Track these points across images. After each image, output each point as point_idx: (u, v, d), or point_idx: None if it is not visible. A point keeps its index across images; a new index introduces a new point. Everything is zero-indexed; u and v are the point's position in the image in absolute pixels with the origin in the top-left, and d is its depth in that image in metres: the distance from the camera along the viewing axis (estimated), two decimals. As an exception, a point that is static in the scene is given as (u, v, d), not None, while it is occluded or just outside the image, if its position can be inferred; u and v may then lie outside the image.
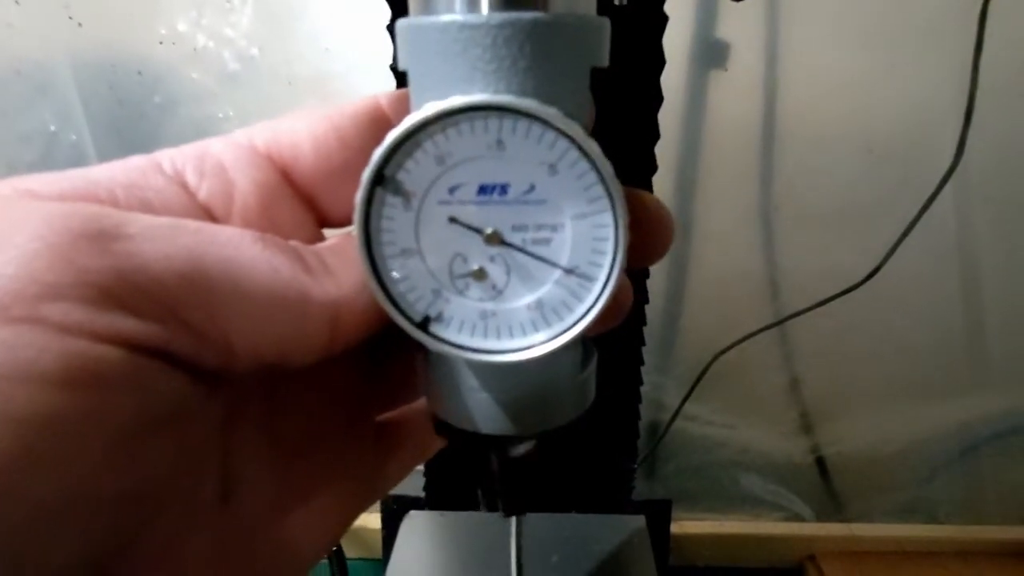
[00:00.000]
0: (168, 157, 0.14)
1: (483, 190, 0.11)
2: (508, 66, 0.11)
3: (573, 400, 0.14)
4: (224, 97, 0.50)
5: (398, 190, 0.11)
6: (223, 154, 0.14)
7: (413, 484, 0.42)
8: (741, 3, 0.44)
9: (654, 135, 0.32)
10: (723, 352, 0.53)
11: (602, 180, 0.11)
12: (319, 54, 0.48)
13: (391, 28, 0.30)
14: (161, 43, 0.48)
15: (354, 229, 0.11)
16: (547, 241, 0.11)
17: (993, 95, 0.43)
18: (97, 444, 0.10)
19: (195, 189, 0.13)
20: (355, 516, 0.16)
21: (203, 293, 0.11)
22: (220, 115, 0.50)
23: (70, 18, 0.47)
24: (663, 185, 0.49)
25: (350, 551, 0.53)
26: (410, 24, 0.11)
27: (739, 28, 0.45)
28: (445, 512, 0.29)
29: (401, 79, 0.21)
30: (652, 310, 0.54)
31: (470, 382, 0.13)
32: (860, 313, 0.51)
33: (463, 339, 0.12)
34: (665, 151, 0.49)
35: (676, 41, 0.46)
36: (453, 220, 0.11)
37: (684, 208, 0.50)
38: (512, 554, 0.20)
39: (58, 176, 0.12)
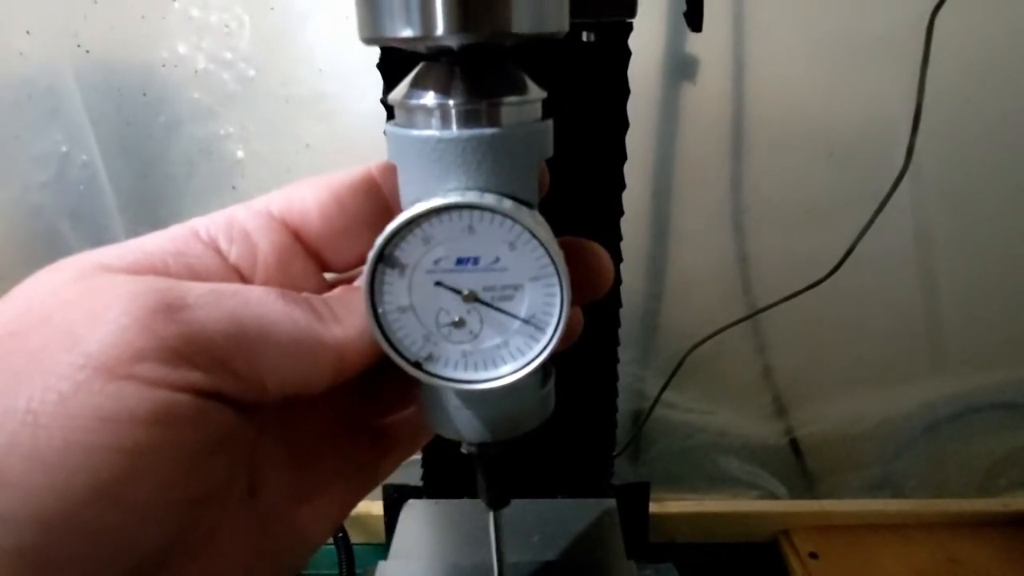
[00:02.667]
0: (203, 225, 0.17)
1: (460, 261, 0.14)
2: (474, 168, 0.14)
3: (537, 412, 0.18)
4: (224, 116, 0.52)
5: (395, 264, 0.14)
6: (247, 222, 0.17)
7: (412, 475, 0.45)
8: (709, 21, 0.47)
9: (621, 157, 0.35)
10: (699, 344, 0.57)
11: (548, 254, 0.14)
12: (313, 75, 0.50)
13: (381, 67, 0.33)
14: (164, 66, 0.51)
15: (362, 292, 0.15)
16: (510, 298, 0.15)
17: (940, 103, 0.46)
18: (174, 464, 0.13)
19: (226, 253, 0.16)
20: (355, 505, 0.19)
21: (244, 347, 0.14)
22: (222, 132, 0.53)
23: (78, 46, 0.49)
24: (640, 192, 0.53)
25: (355, 536, 0.57)
26: (396, 133, 0.15)
27: (707, 44, 0.48)
28: (440, 500, 0.32)
29: (391, 111, 0.24)
30: (632, 307, 0.57)
31: (455, 402, 0.17)
32: (826, 305, 0.55)
33: (448, 373, 0.15)
34: (641, 160, 0.53)
35: (648, 57, 0.49)
36: (438, 284, 0.15)
37: (660, 212, 0.53)
38: (491, 537, 0.24)
39: (121, 250, 0.16)
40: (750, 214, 0.54)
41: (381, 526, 0.54)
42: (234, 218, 0.17)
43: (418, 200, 0.14)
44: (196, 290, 0.14)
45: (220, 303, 0.14)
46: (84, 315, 0.13)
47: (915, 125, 0.45)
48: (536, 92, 0.15)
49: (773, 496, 0.64)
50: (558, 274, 0.14)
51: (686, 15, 0.36)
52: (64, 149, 0.52)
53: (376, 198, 0.18)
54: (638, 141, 0.37)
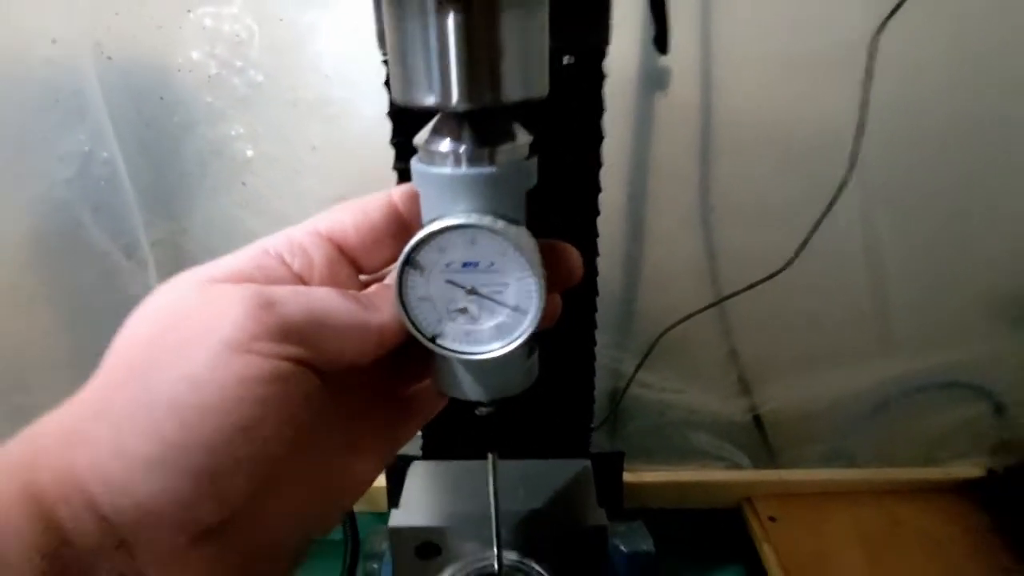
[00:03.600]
0: (270, 244, 0.22)
1: (465, 265, 0.20)
2: (477, 197, 0.19)
3: (523, 378, 0.23)
4: (235, 118, 0.57)
5: (417, 266, 0.20)
6: (303, 240, 0.22)
7: (412, 446, 0.50)
8: (680, 38, 0.52)
9: (597, 164, 0.40)
10: (670, 328, 0.62)
11: (527, 261, 0.19)
12: (320, 80, 0.55)
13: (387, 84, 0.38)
14: (179, 71, 0.55)
15: (393, 288, 0.20)
16: (501, 292, 0.20)
17: (884, 113, 0.52)
18: (284, 410, 0.18)
19: (290, 263, 0.21)
20: (389, 459, 0.24)
21: (317, 329, 0.19)
22: (232, 133, 0.57)
23: (101, 53, 0.53)
24: (617, 194, 0.58)
25: (357, 506, 0.62)
26: (419, 169, 0.20)
27: (677, 59, 0.53)
28: (441, 461, 0.37)
29: (395, 119, 0.29)
30: (610, 296, 0.63)
31: (460, 370, 0.22)
32: (784, 294, 0.60)
33: (455, 347, 0.21)
34: (617, 165, 0.58)
35: (624, 70, 0.54)
36: (448, 281, 0.20)
37: (635, 212, 0.58)
38: (490, 487, 0.29)
39: (219, 265, 0.20)
40: (716, 213, 0.59)
41: (381, 496, 0.60)
42: (292, 237, 0.22)
43: (435, 220, 0.19)
44: (279, 291, 0.19)
45: (297, 300, 0.19)
46: (212, 314, 0.18)
47: (859, 133, 0.51)
48: (524, 138, 0.20)
49: (737, 467, 0.70)
50: (535, 275, 0.19)
51: (655, 40, 0.41)
52: (87, 148, 0.56)
53: (396, 217, 0.23)
54: (614, 147, 0.42)
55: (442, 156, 0.19)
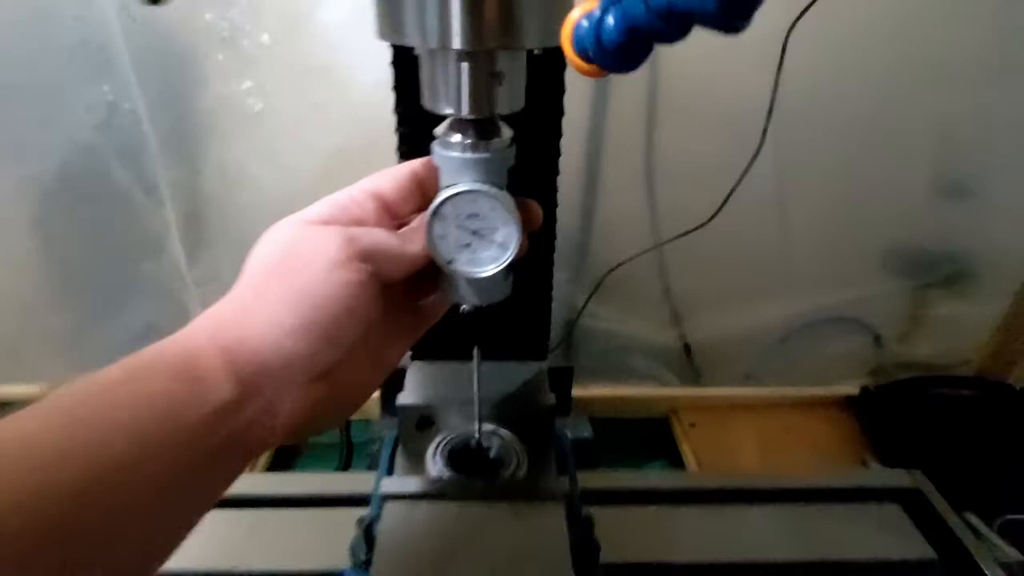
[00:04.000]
0: (339, 198, 0.32)
1: (469, 216, 0.30)
2: (478, 172, 0.30)
3: (503, 290, 0.34)
4: (246, 75, 0.64)
5: (440, 216, 0.30)
6: (359, 196, 0.32)
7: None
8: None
9: (558, 133, 0.51)
10: (615, 268, 0.74)
11: (509, 213, 0.30)
12: (325, 47, 0.62)
13: (394, 64, 0.47)
14: (196, 33, 0.62)
15: (424, 229, 0.31)
16: (493, 233, 0.31)
17: (793, 95, 0.63)
18: (370, 303, 0.29)
19: (352, 211, 0.32)
20: (408, 347, 0.36)
21: (379, 255, 0.30)
22: (243, 88, 0.65)
23: (127, 14, 0.60)
24: (576, 156, 0.68)
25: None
26: (439, 152, 0.31)
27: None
28: (433, 361, 0.49)
29: (399, 92, 0.39)
30: (567, 241, 0.74)
31: (464, 283, 0.33)
32: (710, 241, 0.69)
33: (462, 269, 0.32)
34: (577, 131, 0.68)
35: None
36: (459, 226, 0.31)
37: (590, 170, 0.69)
38: (474, 373, 0.41)
39: (314, 211, 0.30)
40: (657, 173, 0.70)
41: (372, 406, 0.71)
42: (351, 194, 0.32)
43: (450, 187, 0.30)
44: (355, 230, 0.29)
45: (367, 236, 0.29)
46: (319, 244, 0.28)
47: (770, 112, 0.62)
48: (507, 133, 0.30)
49: (668, 384, 0.84)
50: (515, 222, 0.30)
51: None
52: (111, 99, 0.63)
53: (417, 180, 0.33)
54: (574, 118, 0.52)
55: (455, 145, 0.30)
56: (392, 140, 0.48)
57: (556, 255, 0.56)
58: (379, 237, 0.30)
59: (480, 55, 0.26)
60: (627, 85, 0.65)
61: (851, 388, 0.83)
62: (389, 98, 0.50)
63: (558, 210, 0.54)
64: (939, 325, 0.82)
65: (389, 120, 0.51)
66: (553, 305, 0.59)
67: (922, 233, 0.77)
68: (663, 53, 0.64)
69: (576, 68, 0.21)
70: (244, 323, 0.27)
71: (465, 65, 0.27)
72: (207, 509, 0.26)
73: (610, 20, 0.19)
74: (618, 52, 0.19)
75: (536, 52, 0.50)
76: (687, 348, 0.83)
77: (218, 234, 0.71)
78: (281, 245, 0.29)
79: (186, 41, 0.62)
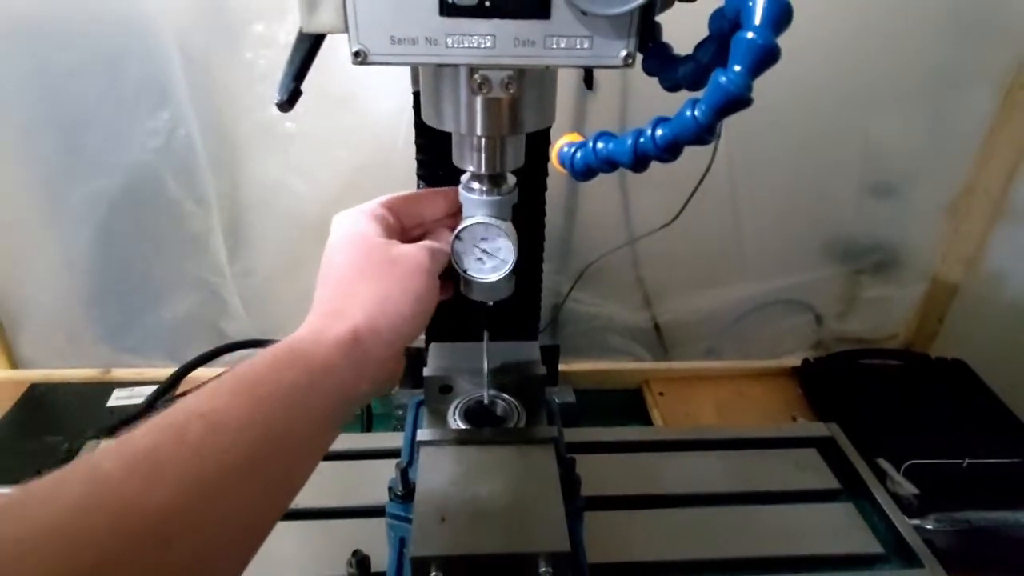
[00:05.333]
0: (376, 206, 0.44)
1: (482, 238, 0.43)
2: (490, 207, 0.42)
3: (507, 290, 0.47)
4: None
5: (460, 239, 0.43)
6: (383, 210, 0.44)
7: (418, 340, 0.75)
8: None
9: (545, 156, 0.63)
10: (595, 261, 0.87)
11: (511, 240, 0.43)
12: (350, 80, 0.73)
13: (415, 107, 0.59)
14: (239, 67, 0.74)
15: (450, 249, 0.44)
16: (498, 251, 0.44)
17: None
18: (436, 299, 0.40)
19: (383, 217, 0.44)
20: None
21: (443, 262, 0.41)
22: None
23: (186, 54, 0.71)
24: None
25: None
26: (463, 193, 0.43)
27: (603, 72, 0.75)
28: (451, 343, 0.62)
29: (421, 147, 0.51)
30: (553, 238, 0.86)
31: (476, 287, 0.46)
32: (675, 237, 0.80)
33: (475, 275, 0.44)
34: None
35: (567, 80, 0.75)
36: (474, 245, 0.44)
37: (573, 182, 0.82)
38: (484, 351, 0.54)
39: (368, 207, 0.43)
40: (629, 179, 0.83)
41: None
42: (379, 206, 0.44)
43: (469, 218, 0.43)
44: (434, 245, 0.39)
45: (441, 251, 0.41)
46: (416, 257, 0.38)
47: (721, 126, 0.75)
48: (512, 180, 0.43)
49: (640, 359, 0.97)
50: (513, 245, 0.43)
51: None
52: (169, 125, 0.75)
53: (413, 202, 0.45)
54: (557, 134, 0.64)
55: (474, 190, 0.43)
56: (406, 157, 0.59)
57: (545, 250, 0.69)
58: (445, 249, 0.41)
59: (493, 138, 0.39)
60: (602, 109, 0.78)
61: (796, 360, 0.96)
62: (404, 123, 0.62)
63: (547, 212, 0.66)
64: (870, 305, 0.96)
65: (404, 141, 0.64)
66: (542, 293, 0.72)
67: (854, 227, 0.91)
68: (632, 77, 0.76)
69: (558, 170, 0.35)
70: (347, 312, 0.34)
71: (483, 142, 0.39)
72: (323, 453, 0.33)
73: (579, 156, 0.32)
74: (581, 175, 0.32)
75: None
76: (657, 328, 0.96)
77: (255, 236, 0.84)
78: (355, 242, 0.37)
79: (231, 76, 0.74)
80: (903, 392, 0.90)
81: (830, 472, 0.65)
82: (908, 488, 0.72)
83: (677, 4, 0.34)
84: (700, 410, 0.91)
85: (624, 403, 0.94)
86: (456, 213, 0.45)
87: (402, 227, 0.43)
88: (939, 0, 0.76)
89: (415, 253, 0.38)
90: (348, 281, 0.36)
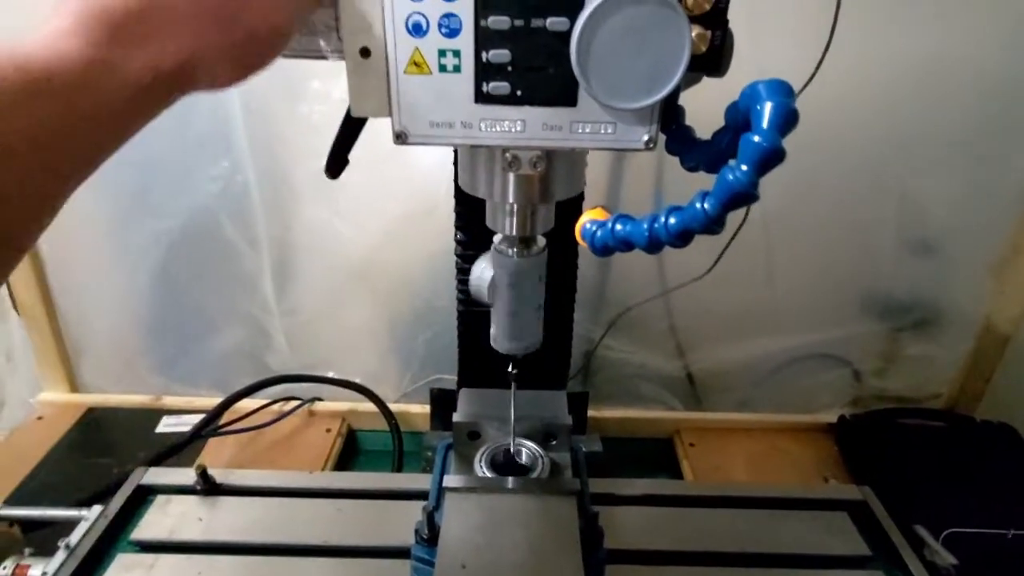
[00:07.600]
0: None
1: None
2: (522, 268, 0.45)
3: (536, 342, 0.49)
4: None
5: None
6: None
7: (450, 383, 0.77)
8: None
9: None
10: (628, 310, 0.88)
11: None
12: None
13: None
14: (293, 121, 0.79)
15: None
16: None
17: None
18: None
19: None
20: None
21: None
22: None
23: (248, 109, 0.77)
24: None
25: (405, 427, 0.89)
26: (496, 255, 0.46)
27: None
28: (480, 389, 0.64)
29: (460, 216, 0.54)
30: (586, 288, 0.88)
31: (504, 337, 0.48)
32: (708, 289, 0.80)
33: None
34: (596, 200, 0.82)
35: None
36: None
37: (605, 230, 0.84)
38: (511, 399, 0.56)
39: None
40: (662, 232, 0.85)
41: (419, 420, 0.87)
42: None
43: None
44: None
45: None
46: None
47: (754, 191, 0.76)
48: (542, 242, 0.46)
49: (672, 409, 0.96)
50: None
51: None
52: (229, 172, 0.81)
53: None
54: (592, 190, 0.65)
55: (506, 251, 0.45)
56: (446, 211, 0.63)
57: (578, 298, 0.70)
58: None
59: (525, 205, 0.42)
60: (638, 167, 0.80)
61: (832, 416, 0.93)
62: (445, 178, 0.65)
63: (581, 262, 0.68)
64: (911, 363, 0.94)
65: (445, 195, 0.67)
66: (574, 339, 0.74)
67: (893, 283, 0.89)
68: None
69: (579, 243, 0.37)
70: None
71: (516, 208, 0.42)
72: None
73: (599, 235, 0.34)
74: (600, 252, 0.35)
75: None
76: (690, 377, 0.96)
77: (302, 277, 0.88)
78: None
79: (287, 128, 0.79)
80: (945, 455, 0.87)
81: (860, 538, 0.64)
82: (947, 558, 0.69)
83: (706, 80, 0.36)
84: (731, 462, 0.89)
85: (654, 452, 0.94)
86: None
87: None
88: (979, 58, 0.76)
89: None
90: None
